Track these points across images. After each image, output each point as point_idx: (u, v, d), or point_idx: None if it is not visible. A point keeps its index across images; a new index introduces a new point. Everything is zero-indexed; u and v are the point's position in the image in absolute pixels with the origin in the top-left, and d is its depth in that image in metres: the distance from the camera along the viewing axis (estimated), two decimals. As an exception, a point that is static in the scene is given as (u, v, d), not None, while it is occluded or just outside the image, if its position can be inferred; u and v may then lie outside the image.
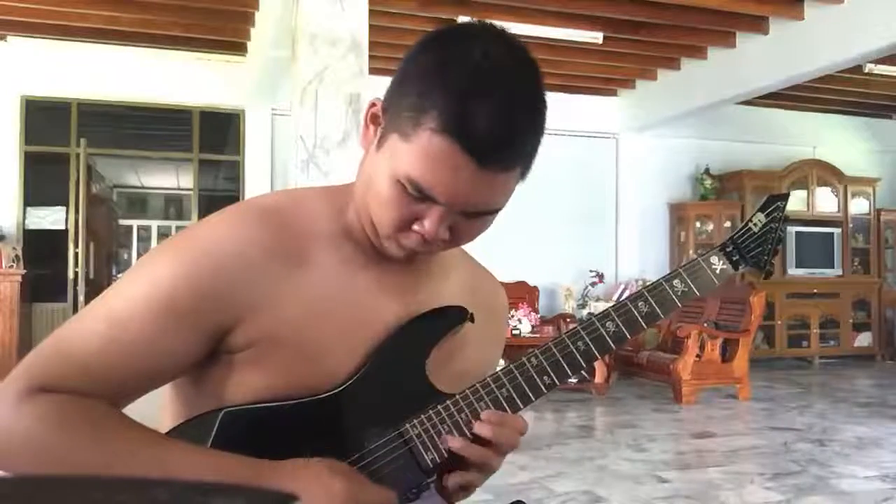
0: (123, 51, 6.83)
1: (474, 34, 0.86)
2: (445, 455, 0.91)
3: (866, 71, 6.94)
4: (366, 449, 0.91)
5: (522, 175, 0.89)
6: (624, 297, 1.01)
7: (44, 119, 6.97)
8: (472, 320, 0.97)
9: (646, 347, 6.80)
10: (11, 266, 6.39)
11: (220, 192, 8.04)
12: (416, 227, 0.87)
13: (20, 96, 6.82)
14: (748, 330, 6.30)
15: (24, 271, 6.43)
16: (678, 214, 8.45)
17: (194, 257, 0.88)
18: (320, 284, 0.92)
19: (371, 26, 4.33)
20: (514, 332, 6.14)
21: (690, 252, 7.96)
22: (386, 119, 0.88)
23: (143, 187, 13.02)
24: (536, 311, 7.00)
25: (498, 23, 0.88)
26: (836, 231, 8.65)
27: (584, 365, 0.96)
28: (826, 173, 8.68)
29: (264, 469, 0.83)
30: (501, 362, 1.09)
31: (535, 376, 0.94)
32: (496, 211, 0.89)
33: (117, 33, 6.43)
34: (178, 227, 12.59)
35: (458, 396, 0.93)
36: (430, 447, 0.91)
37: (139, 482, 0.56)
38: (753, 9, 5.83)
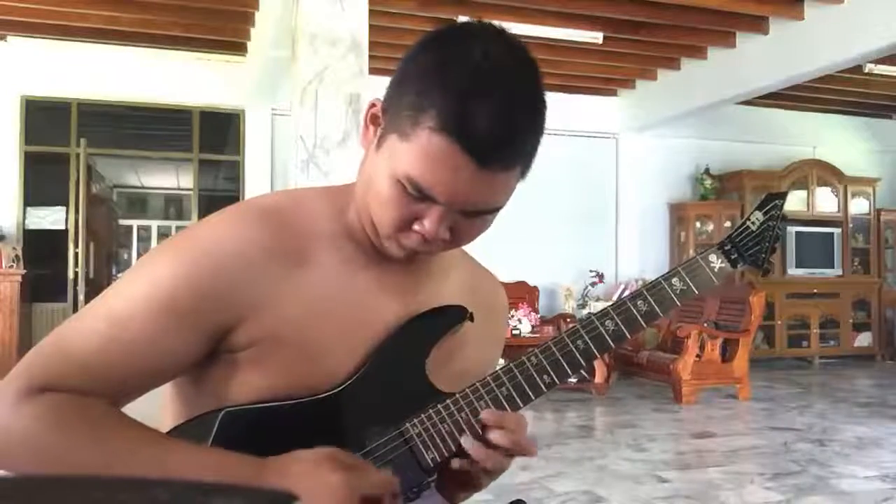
0: (123, 51, 6.83)
1: (474, 34, 0.86)
2: (446, 454, 0.91)
3: (866, 71, 6.94)
4: (366, 448, 0.91)
5: (522, 174, 0.89)
6: (624, 296, 1.01)
7: (44, 119, 6.97)
8: (472, 319, 0.97)
9: (646, 347, 6.80)
10: (11, 266, 6.39)
11: (220, 192, 8.04)
12: (416, 226, 0.87)
13: (20, 96, 6.82)
14: (748, 330, 6.30)
15: (24, 271, 6.44)
16: (678, 214, 8.45)
17: (194, 257, 0.88)
18: (321, 284, 0.92)
19: (371, 26, 4.33)
20: (514, 332, 6.14)
21: (690, 252, 7.95)
22: (386, 119, 0.88)
23: (143, 187, 13.02)
24: (536, 311, 7.00)
25: (498, 23, 0.88)
26: (836, 231, 8.65)
27: (584, 364, 0.96)
28: (826, 173, 8.68)
29: (264, 467, 0.83)
30: (501, 361, 1.09)
31: (535, 375, 0.94)
32: (496, 210, 0.89)
33: (117, 33, 6.44)
34: (178, 227, 12.59)
35: (458, 395, 0.93)
36: (431, 446, 0.91)
37: (139, 482, 0.56)
38: (753, 9, 5.83)
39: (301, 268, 0.92)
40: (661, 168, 8.46)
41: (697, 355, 6.14)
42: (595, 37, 6.26)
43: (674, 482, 3.84)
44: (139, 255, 12.84)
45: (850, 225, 8.82)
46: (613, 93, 8.23)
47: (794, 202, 8.39)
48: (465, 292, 1.03)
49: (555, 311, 7.80)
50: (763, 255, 1.00)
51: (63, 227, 6.89)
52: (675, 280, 0.97)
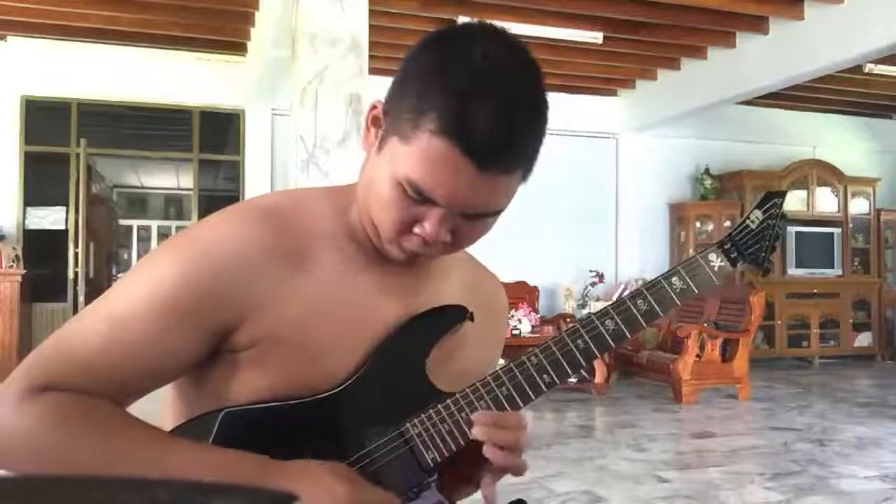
0: (123, 51, 6.83)
1: (474, 34, 0.86)
2: (446, 454, 0.91)
3: (866, 71, 6.95)
4: (366, 448, 0.91)
5: (524, 177, 0.88)
6: (624, 296, 1.01)
7: (44, 119, 6.98)
8: (473, 319, 0.97)
9: (646, 347, 6.80)
10: (11, 266, 6.39)
11: (220, 192, 8.04)
12: (416, 229, 0.87)
13: (20, 96, 6.82)
14: (748, 330, 6.30)
15: (24, 271, 6.44)
16: (678, 214, 8.45)
17: (195, 257, 0.88)
18: (321, 284, 0.92)
19: (371, 26, 4.33)
20: (514, 332, 6.14)
21: (690, 252, 7.95)
22: (387, 121, 0.88)
23: (143, 187, 13.02)
24: (536, 311, 7.00)
25: (498, 23, 0.88)
26: (836, 231, 8.65)
27: (584, 363, 0.96)
28: (826, 173, 8.68)
29: (268, 468, 0.84)
30: (501, 361, 1.09)
31: (535, 375, 0.94)
32: (497, 213, 0.89)
33: (117, 33, 6.44)
34: (178, 227, 12.59)
35: (458, 395, 0.93)
36: (431, 446, 0.91)
37: (139, 482, 0.56)
38: (753, 9, 5.83)
39: (302, 268, 0.92)
40: (661, 168, 8.46)
41: (697, 355, 6.14)
42: (595, 37, 6.26)
43: (674, 482, 3.84)
44: (139, 255, 12.85)
45: (850, 225, 8.82)
46: (613, 93, 8.23)
47: (794, 202, 8.39)
48: (466, 292, 1.03)
49: (555, 311, 7.80)
50: (763, 254, 1.00)
51: (63, 227, 6.89)
52: (674, 279, 0.97)
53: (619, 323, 0.95)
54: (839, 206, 8.75)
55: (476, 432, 0.89)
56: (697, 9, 5.77)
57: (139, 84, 6.97)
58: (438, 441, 0.91)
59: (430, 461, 0.91)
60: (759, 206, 1.02)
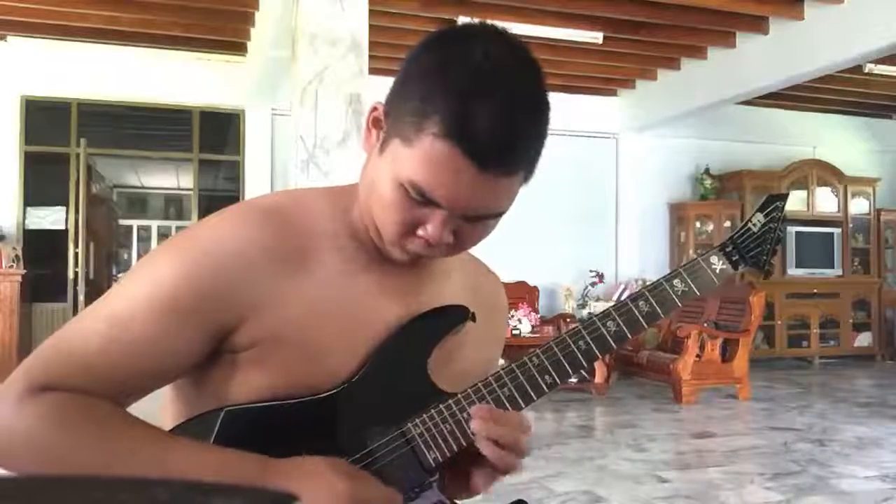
0: (123, 51, 6.83)
1: (475, 35, 0.86)
2: (448, 454, 0.91)
3: (866, 71, 6.94)
4: (368, 448, 0.91)
5: (526, 179, 0.89)
6: (624, 297, 1.01)
7: (44, 119, 6.97)
8: (474, 319, 0.97)
9: (646, 347, 6.80)
10: (11, 266, 6.39)
11: (220, 192, 8.04)
12: (420, 231, 0.87)
13: (20, 96, 6.82)
14: (748, 330, 6.30)
15: (24, 271, 6.44)
16: (678, 214, 8.45)
17: (195, 257, 0.88)
18: (322, 284, 0.92)
19: (371, 26, 4.33)
20: (514, 332, 6.14)
21: (690, 252, 7.96)
22: (388, 123, 0.88)
23: (143, 187, 13.02)
24: (536, 311, 7.00)
25: (498, 23, 0.88)
26: (836, 231, 8.65)
27: (585, 364, 0.96)
28: (826, 173, 8.68)
29: (269, 467, 0.83)
30: (501, 361, 1.09)
31: (537, 375, 0.94)
32: (499, 215, 0.89)
33: (117, 33, 6.44)
34: (178, 227, 12.59)
35: (459, 395, 0.93)
36: (433, 446, 0.91)
37: (139, 482, 0.56)
38: (753, 9, 5.83)
39: (302, 268, 0.92)
40: (661, 168, 8.46)
41: (697, 355, 6.14)
42: (595, 37, 6.26)
43: (674, 482, 3.84)
44: (139, 255, 12.85)
45: (850, 225, 8.82)
46: (613, 93, 8.23)
47: (794, 202, 8.39)
48: (467, 292, 1.03)
49: (555, 311, 7.80)
50: (764, 257, 1.00)
51: (63, 227, 6.89)
52: (676, 281, 0.97)
53: (621, 324, 0.95)
54: (839, 206, 8.75)
55: (473, 425, 0.89)
56: (697, 9, 5.77)
57: (139, 84, 6.97)
58: (440, 441, 0.91)
59: (431, 461, 0.91)
60: (760, 209, 1.02)
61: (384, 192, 0.87)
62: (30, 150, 6.88)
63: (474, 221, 0.88)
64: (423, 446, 0.91)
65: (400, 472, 0.90)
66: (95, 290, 6.48)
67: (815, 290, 8.45)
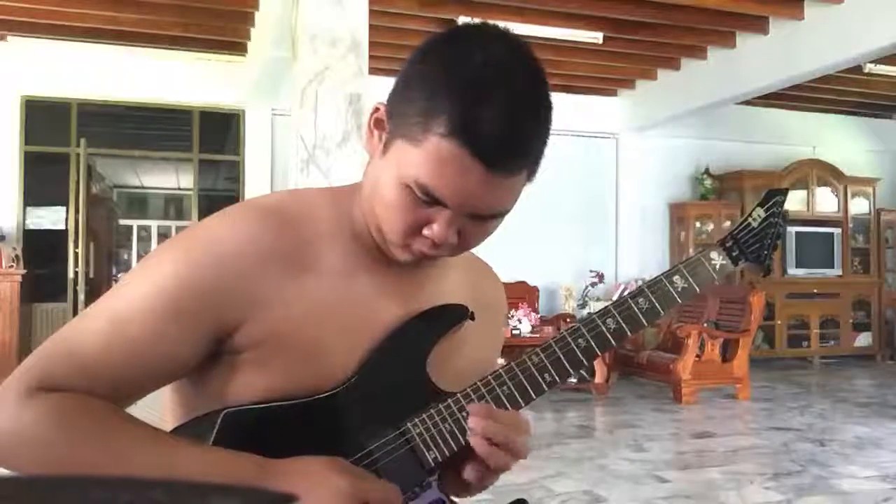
0: (123, 51, 6.83)
1: (478, 35, 0.86)
2: (447, 453, 0.91)
3: (866, 71, 6.95)
4: (367, 448, 0.91)
5: (529, 177, 0.89)
6: (625, 294, 1.01)
7: (44, 119, 6.98)
8: (473, 318, 0.97)
9: (646, 347, 6.80)
10: (11, 266, 6.39)
11: (220, 192, 8.05)
12: (425, 231, 0.87)
13: (20, 96, 6.83)
14: (748, 330, 6.30)
15: (24, 271, 6.44)
16: (678, 214, 8.45)
17: (196, 257, 0.88)
18: (322, 284, 0.92)
19: (371, 26, 4.34)
20: (514, 332, 6.14)
21: (690, 252, 7.95)
22: (391, 124, 0.88)
23: (143, 187, 13.03)
24: (536, 311, 7.00)
25: (498, 23, 0.88)
26: (836, 231, 8.65)
27: (585, 362, 0.96)
28: (826, 173, 8.68)
29: (267, 467, 0.83)
30: (501, 360, 1.09)
31: (537, 374, 0.94)
32: (504, 214, 0.89)
33: (117, 33, 6.44)
34: (178, 227, 12.59)
35: (459, 395, 0.93)
36: (432, 446, 0.91)
37: (139, 482, 0.56)
38: (753, 9, 5.83)
39: (303, 268, 0.92)
40: (661, 168, 8.46)
41: (697, 355, 6.14)
42: (595, 37, 6.26)
43: (674, 482, 3.84)
44: (139, 255, 12.84)
45: (850, 225, 8.82)
46: (613, 93, 8.23)
47: (794, 202, 8.39)
48: (466, 291, 1.03)
49: (555, 311, 7.80)
50: (765, 252, 1.00)
51: (63, 227, 6.89)
52: (676, 278, 0.97)
53: (621, 321, 0.95)
54: (839, 206, 8.75)
55: (469, 422, 0.89)
56: (697, 9, 5.77)
57: (139, 84, 6.97)
58: (439, 440, 0.91)
59: (431, 460, 0.91)
60: (761, 205, 1.01)
61: (388, 193, 0.87)
62: (30, 150, 6.89)
63: (479, 221, 0.88)
64: (422, 446, 0.91)
65: (399, 471, 0.90)
66: (95, 290, 6.49)
67: (815, 290, 8.45)
